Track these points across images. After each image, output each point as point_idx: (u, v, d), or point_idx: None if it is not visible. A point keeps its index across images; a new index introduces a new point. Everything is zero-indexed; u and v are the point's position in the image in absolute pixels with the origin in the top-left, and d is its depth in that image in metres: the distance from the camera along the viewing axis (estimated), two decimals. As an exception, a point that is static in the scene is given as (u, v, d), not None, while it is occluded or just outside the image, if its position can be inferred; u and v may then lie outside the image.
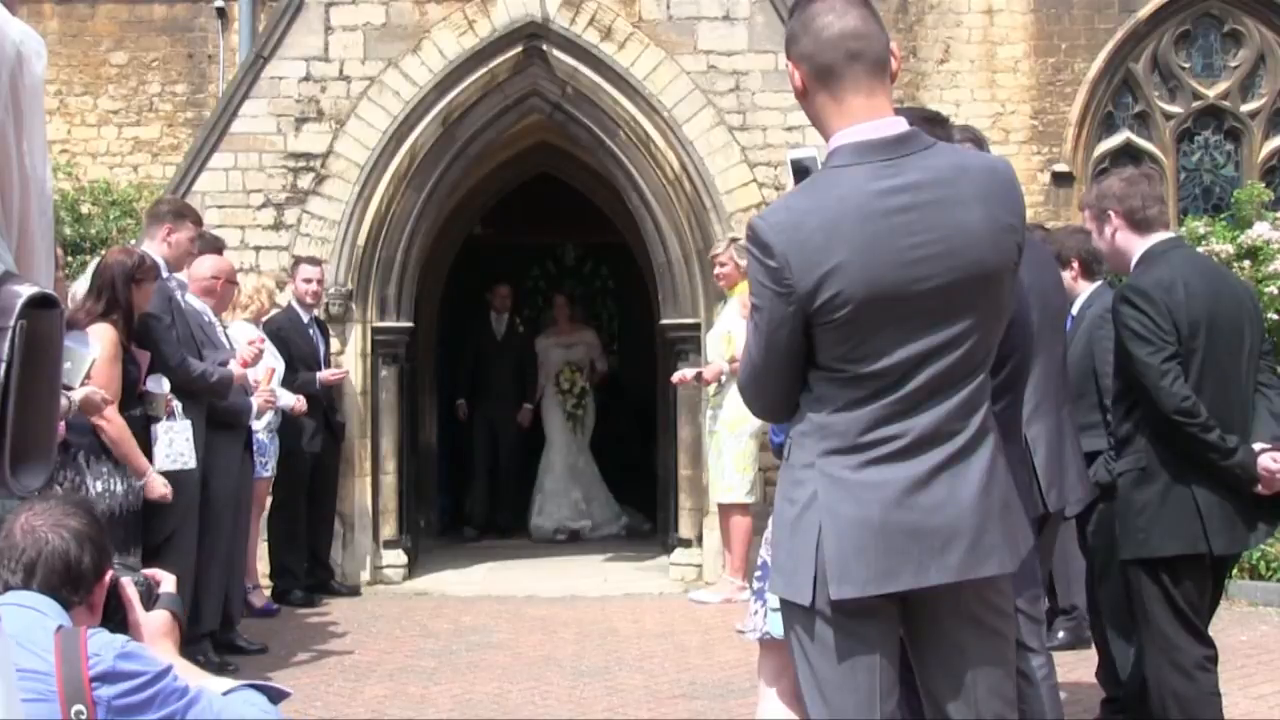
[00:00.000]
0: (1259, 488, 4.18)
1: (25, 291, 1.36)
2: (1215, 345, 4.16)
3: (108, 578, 2.53)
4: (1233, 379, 4.21)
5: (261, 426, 7.75)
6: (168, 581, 2.69)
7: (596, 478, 11.85)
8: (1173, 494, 4.11)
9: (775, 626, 3.61)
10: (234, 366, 6.72)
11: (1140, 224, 4.30)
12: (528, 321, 13.22)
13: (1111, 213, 4.33)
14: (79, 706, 2.24)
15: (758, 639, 3.85)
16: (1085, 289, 5.73)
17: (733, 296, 8.44)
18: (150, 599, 2.67)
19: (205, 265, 7.08)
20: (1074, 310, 5.57)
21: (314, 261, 8.93)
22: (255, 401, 7.09)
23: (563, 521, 11.44)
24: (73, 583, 2.49)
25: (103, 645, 2.32)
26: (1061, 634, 6.88)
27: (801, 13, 2.69)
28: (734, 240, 8.57)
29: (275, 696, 2.45)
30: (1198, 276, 4.24)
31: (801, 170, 2.87)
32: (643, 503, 11.50)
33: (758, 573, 3.89)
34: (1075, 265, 5.70)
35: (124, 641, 2.38)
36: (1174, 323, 4.10)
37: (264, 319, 8.32)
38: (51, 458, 1.47)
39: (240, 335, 7.56)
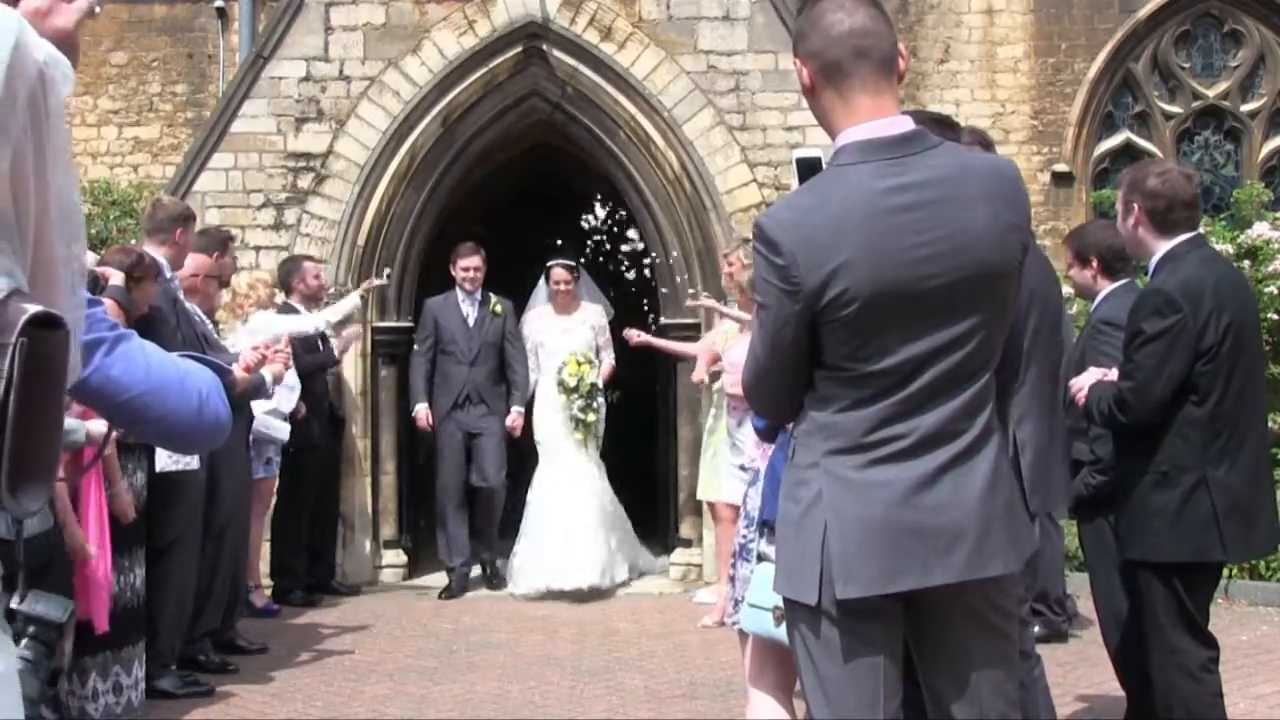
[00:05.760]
0: None
1: (29, 309, 1.36)
2: (1239, 349, 4.14)
3: None
4: (1251, 380, 4.21)
5: (262, 426, 7.73)
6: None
7: (609, 503, 9.04)
8: (1191, 501, 4.10)
9: (747, 621, 3.59)
10: (236, 370, 6.67)
11: (1162, 225, 4.26)
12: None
13: (1136, 205, 4.29)
14: None
15: (737, 628, 3.84)
16: (1105, 287, 5.31)
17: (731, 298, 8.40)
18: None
19: (187, 265, 6.96)
20: (1090, 308, 5.47)
21: (311, 258, 8.95)
22: (268, 375, 6.92)
23: (555, 578, 8.69)
24: None
25: None
26: (1037, 628, 6.96)
27: (810, 10, 2.69)
28: (746, 241, 8.46)
29: (221, 373, 2.29)
30: (1225, 279, 4.22)
31: (807, 169, 2.87)
32: (642, 503, 10.63)
33: (732, 559, 3.89)
34: (1095, 263, 5.36)
35: None
36: (1200, 332, 4.07)
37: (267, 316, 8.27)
38: (52, 479, 1.45)
39: (262, 328, 7.53)
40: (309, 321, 8.31)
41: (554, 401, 8.99)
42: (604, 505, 8.99)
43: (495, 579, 9.07)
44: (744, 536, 3.77)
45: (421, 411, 9.03)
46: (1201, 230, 4.64)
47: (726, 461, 8.34)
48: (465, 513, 9.04)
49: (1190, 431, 4.11)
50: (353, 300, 8.85)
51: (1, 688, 1.41)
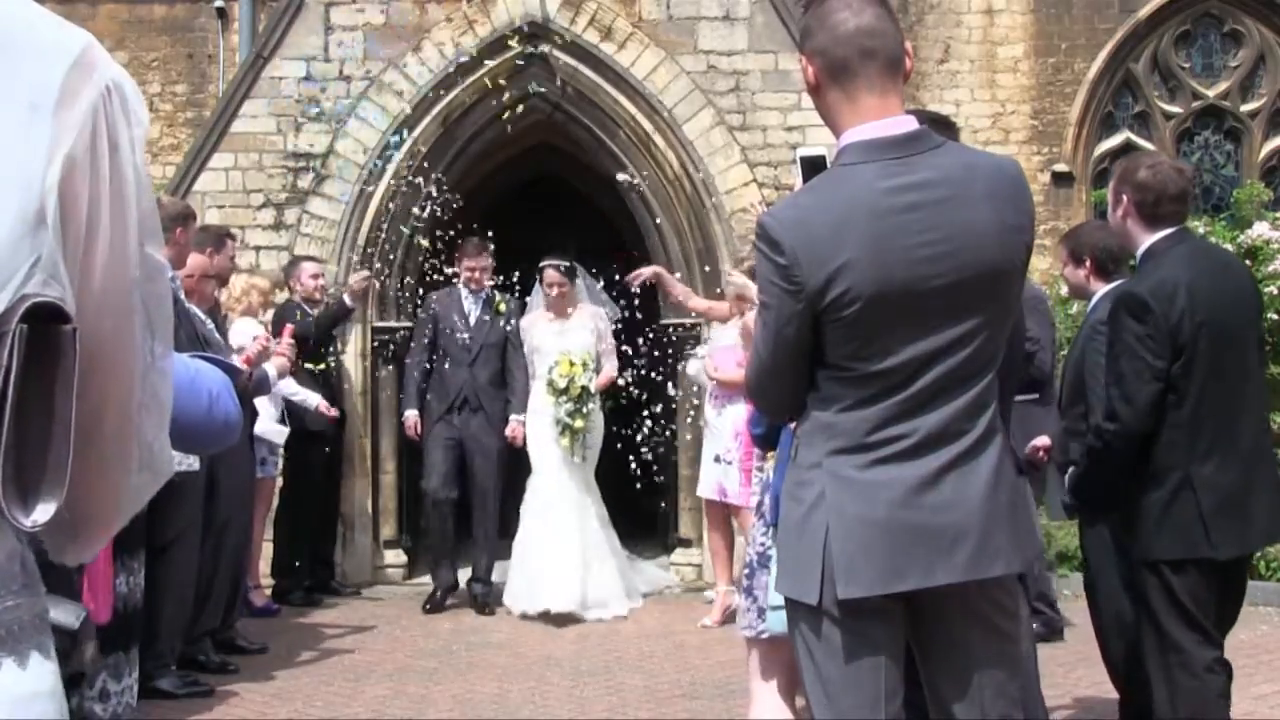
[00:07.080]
0: None
1: (33, 298, 1.27)
2: (1218, 348, 4.13)
3: None
4: (1239, 380, 4.19)
5: (264, 431, 7.72)
6: None
7: (603, 525, 8.29)
8: (1178, 499, 4.10)
9: (774, 623, 3.58)
10: (238, 363, 6.65)
11: (1149, 218, 4.26)
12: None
13: (1125, 197, 4.29)
14: None
15: (750, 636, 3.83)
16: (1100, 288, 5.23)
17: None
18: None
19: (187, 265, 6.93)
20: (1088, 308, 5.46)
21: (313, 259, 8.94)
22: (272, 370, 6.87)
23: (548, 602, 7.97)
24: None
25: None
26: (1035, 626, 6.94)
27: (817, 8, 2.69)
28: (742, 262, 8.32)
29: (232, 372, 2.18)
30: (1202, 276, 4.18)
31: (811, 168, 2.87)
32: (640, 505, 10.35)
33: (745, 570, 3.88)
34: (1089, 264, 5.28)
35: None
36: (1174, 332, 4.07)
37: (263, 317, 8.25)
38: (62, 489, 1.31)
39: (244, 332, 7.52)
40: (284, 385, 7.69)
41: (546, 405, 8.22)
42: (591, 529, 8.18)
43: (483, 599, 8.30)
44: (761, 544, 3.75)
45: (411, 419, 8.48)
46: (1193, 225, 4.63)
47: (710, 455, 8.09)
48: (454, 522, 8.40)
49: (1172, 432, 4.11)
50: (310, 399, 8.19)
51: (50, 705, 1.36)
